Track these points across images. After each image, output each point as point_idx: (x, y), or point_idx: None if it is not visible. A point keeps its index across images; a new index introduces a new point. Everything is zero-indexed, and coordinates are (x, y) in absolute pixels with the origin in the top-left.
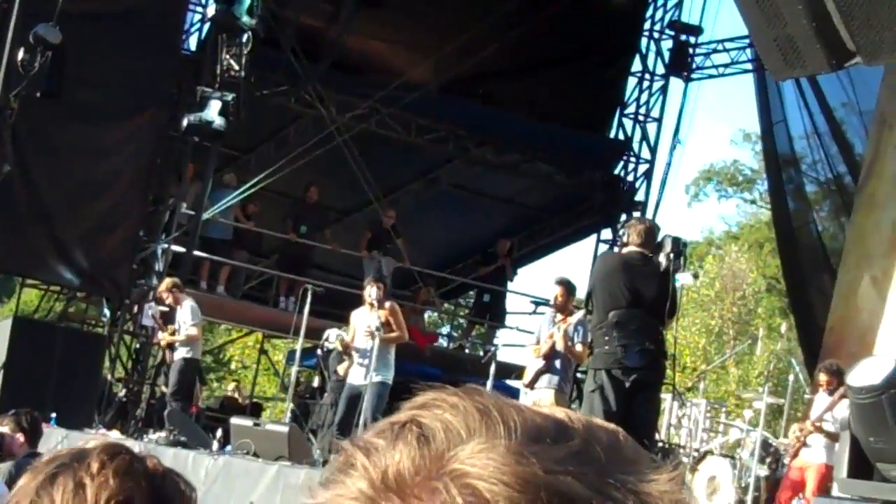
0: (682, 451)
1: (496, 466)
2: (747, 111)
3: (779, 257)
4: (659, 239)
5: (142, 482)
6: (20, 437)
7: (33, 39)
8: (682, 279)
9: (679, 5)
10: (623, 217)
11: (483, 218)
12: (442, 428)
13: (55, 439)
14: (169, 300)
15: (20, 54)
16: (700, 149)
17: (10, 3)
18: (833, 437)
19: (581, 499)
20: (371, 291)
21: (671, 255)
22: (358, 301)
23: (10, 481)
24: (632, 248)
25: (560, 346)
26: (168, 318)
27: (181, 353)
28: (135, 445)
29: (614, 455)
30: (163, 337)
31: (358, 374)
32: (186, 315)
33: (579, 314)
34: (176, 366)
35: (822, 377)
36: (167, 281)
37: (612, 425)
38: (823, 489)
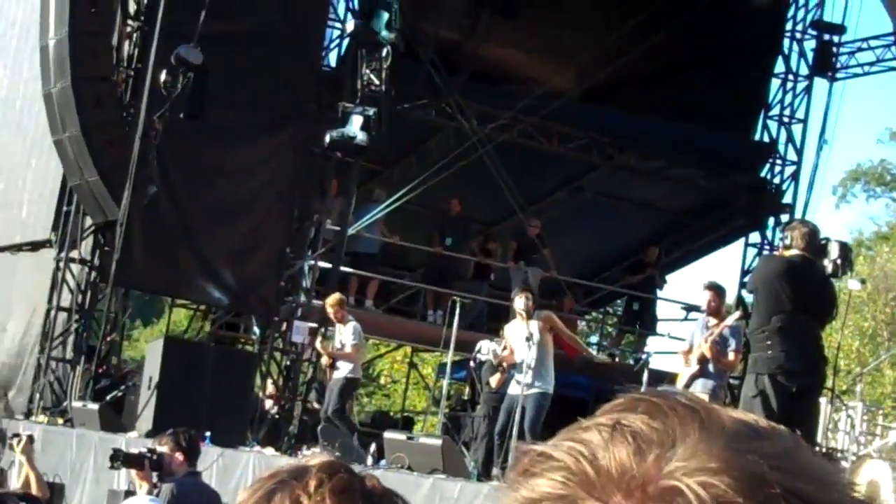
0: (840, 455)
1: (721, 462)
2: (894, 109)
3: None
4: (822, 242)
5: (359, 502)
6: (179, 456)
7: (175, 61)
8: (851, 285)
9: (821, 4)
10: (771, 220)
11: (629, 224)
12: (653, 427)
13: (211, 458)
14: (335, 316)
15: (163, 76)
16: (847, 148)
17: (150, 26)
18: None
19: (811, 497)
20: (520, 302)
21: (838, 261)
22: (506, 311)
23: (174, 500)
24: (795, 251)
25: (709, 356)
26: (317, 334)
27: (343, 371)
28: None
29: (811, 459)
30: (323, 350)
31: (517, 386)
32: (349, 334)
33: (733, 318)
34: (337, 384)
35: None
36: (335, 297)
37: (784, 429)
38: None
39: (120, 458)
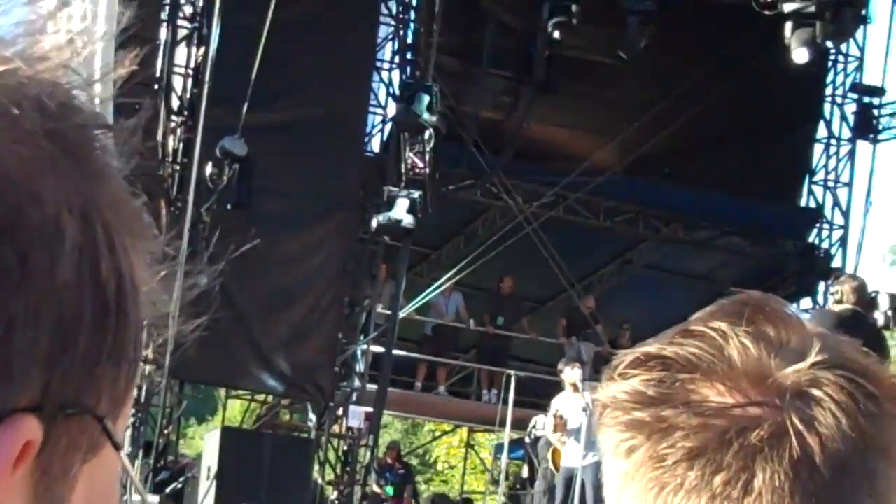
0: None
1: (853, 360)
2: None
3: None
4: (872, 295)
5: None
6: None
7: (220, 153)
8: None
9: (859, 68)
10: (821, 286)
11: (679, 297)
12: (767, 330)
13: None
14: None
15: (209, 169)
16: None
17: (194, 120)
18: None
19: None
20: (575, 373)
21: (889, 313)
22: (559, 388)
23: None
24: (846, 305)
25: None
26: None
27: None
28: None
29: None
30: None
31: (571, 457)
32: None
33: None
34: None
35: None
36: None
37: None
38: None
39: None
